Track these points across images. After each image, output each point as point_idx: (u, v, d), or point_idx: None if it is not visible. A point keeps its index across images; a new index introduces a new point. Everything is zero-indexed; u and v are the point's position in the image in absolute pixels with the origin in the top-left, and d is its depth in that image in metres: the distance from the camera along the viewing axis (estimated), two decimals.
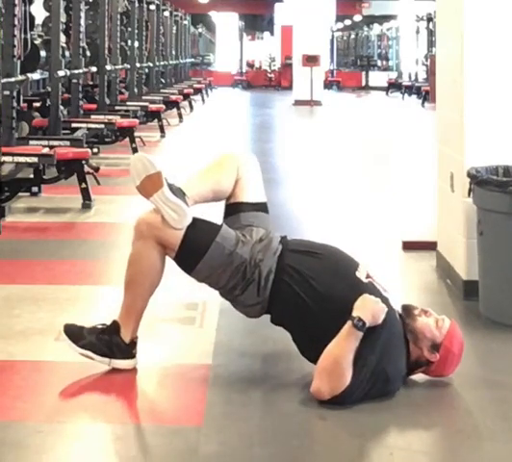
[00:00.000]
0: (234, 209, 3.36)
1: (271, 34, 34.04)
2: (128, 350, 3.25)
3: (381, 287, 3.22)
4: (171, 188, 3.18)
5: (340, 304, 3.06)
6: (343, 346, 2.99)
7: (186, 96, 16.63)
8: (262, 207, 3.40)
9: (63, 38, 8.65)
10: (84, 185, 6.60)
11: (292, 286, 3.15)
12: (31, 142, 7.10)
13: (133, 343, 3.26)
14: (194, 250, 3.16)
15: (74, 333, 3.28)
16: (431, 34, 20.13)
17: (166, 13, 19.14)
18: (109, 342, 3.24)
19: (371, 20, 35.39)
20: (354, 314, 3.01)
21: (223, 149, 3.63)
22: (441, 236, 4.85)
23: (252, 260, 3.17)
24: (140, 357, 3.30)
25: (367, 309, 3.02)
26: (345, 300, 3.05)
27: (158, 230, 3.16)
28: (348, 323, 3.00)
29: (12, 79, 6.69)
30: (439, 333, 3.15)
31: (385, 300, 3.11)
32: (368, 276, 3.21)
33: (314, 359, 3.07)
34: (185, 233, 3.15)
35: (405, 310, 3.20)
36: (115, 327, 3.25)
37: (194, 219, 3.19)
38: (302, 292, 3.13)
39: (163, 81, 17.72)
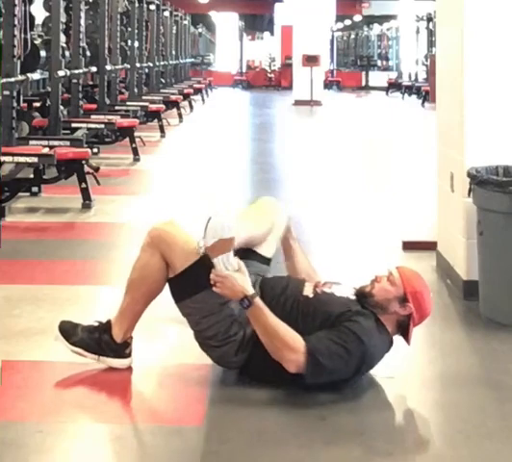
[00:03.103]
0: (244, 253, 3.35)
1: (271, 34, 34.04)
2: (119, 350, 3.27)
3: (332, 285, 3.28)
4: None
5: (314, 326, 3.10)
6: (261, 330, 3.02)
7: (186, 96, 16.63)
8: (267, 262, 3.43)
9: (63, 38, 8.63)
10: (84, 185, 6.60)
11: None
12: (31, 142, 7.10)
13: (126, 343, 3.27)
14: (191, 285, 3.14)
15: (68, 330, 3.31)
16: (431, 34, 20.12)
17: (166, 13, 19.12)
18: (98, 339, 3.26)
19: (370, 20, 35.41)
20: (233, 303, 3.07)
21: (266, 196, 3.67)
22: (441, 236, 4.85)
23: (240, 318, 3.15)
24: (140, 357, 3.31)
25: (229, 289, 3.03)
26: (307, 323, 3.10)
27: (168, 247, 3.15)
28: (246, 312, 3.04)
29: (12, 79, 6.68)
30: (396, 287, 3.17)
31: (339, 298, 3.19)
32: (316, 286, 3.25)
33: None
34: (192, 264, 3.13)
35: (359, 293, 3.24)
36: (106, 326, 3.28)
37: (206, 258, 3.13)
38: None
39: (163, 81, 17.70)
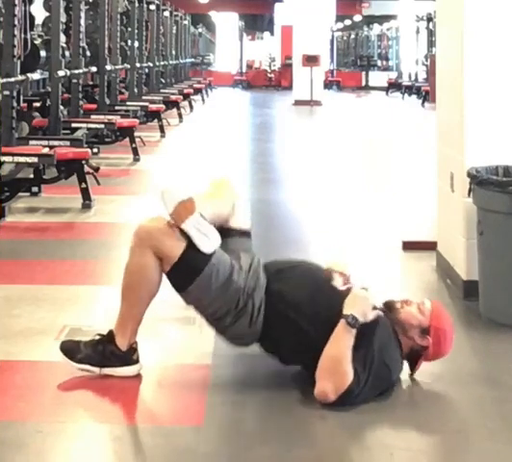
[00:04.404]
0: (222, 234, 3.29)
1: (271, 34, 34.04)
2: (126, 357, 3.23)
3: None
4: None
5: (327, 317, 3.08)
6: (340, 345, 3.01)
7: (186, 96, 16.63)
8: (247, 234, 3.40)
9: (63, 38, 8.64)
10: (84, 185, 6.60)
11: (282, 313, 3.14)
12: (31, 142, 7.10)
13: (131, 349, 3.23)
14: (190, 269, 3.12)
15: (70, 349, 3.26)
16: (431, 34, 20.13)
17: (166, 13, 19.14)
18: (103, 351, 3.22)
19: (370, 20, 35.42)
20: (346, 312, 3.04)
21: (216, 174, 3.59)
22: (441, 236, 4.85)
23: (246, 289, 3.15)
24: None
25: (357, 306, 3.06)
26: (331, 312, 3.08)
27: (157, 241, 3.12)
28: (342, 322, 3.03)
29: (12, 79, 6.69)
30: (423, 317, 3.18)
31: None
32: (345, 282, 3.24)
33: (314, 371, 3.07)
34: (184, 250, 3.10)
35: (387, 305, 3.23)
36: (109, 336, 3.24)
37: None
38: (294, 315, 3.14)
39: (163, 81, 17.71)
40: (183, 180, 3.31)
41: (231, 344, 3.28)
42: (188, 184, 3.20)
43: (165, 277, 3.19)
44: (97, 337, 3.27)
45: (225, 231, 3.32)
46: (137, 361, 3.25)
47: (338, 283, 3.23)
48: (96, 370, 3.23)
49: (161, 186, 3.18)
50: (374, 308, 3.12)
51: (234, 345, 3.28)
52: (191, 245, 3.10)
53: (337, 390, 2.97)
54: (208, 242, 3.11)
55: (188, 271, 3.13)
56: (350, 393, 2.97)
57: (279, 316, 3.15)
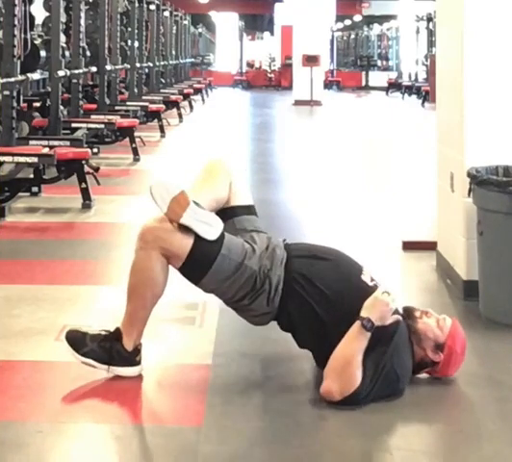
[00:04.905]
0: (226, 214, 3.31)
1: (271, 34, 34.06)
2: (130, 358, 3.22)
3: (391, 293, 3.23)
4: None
5: (348, 308, 3.06)
6: (352, 347, 2.99)
7: (186, 96, 16.63)
8: (252, 210, 3.39)
9: (63, 38, 8.64)
10: (84, 185, 6.60)
11: (301, 294, 3.14)
12: (31, 142, 7.10)
13: (136, 350, 3.22)
14: (200, 264, 3.11)
15: (76, 341, 3.23)
16: (431, 34, 20.14)
17: (166, 13, 19.14)
18: (110, 349, 3.20)
19: (370, 20, 35.44)
20: (363, 314, 3.01)
21: (209, 156, 3.58)
22: (441, 236, 4.85)
23: (261, 270, 3.14)
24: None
25: (376, 310, 3.02)
26: (353, 305, 3.06)
27: (164, 242, 3.09)
28: (357, 324, 3.00)
29: (12, 79, 6.69)
30: (441, 333, 3.17)
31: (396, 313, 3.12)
32: (372, 279, 3.22)
33: (323, 363, 3.07)
34: (192, 246, 3.08)
35: (406, 312, 3.20)
36: (116, 334, 3.22)
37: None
38: (311, 298, 3.13)
39: (163, 81, 17.71)
40: (173, 176, 3.28)
41: (251, 323, 3.27)
42: (174, 177, 3.17)
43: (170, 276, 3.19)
44: (103, 332, 3.25)
45: (229, 211, 3.31)
46: (139, 362, 3.25)
47: (366, 278, 3.21)
48: (99, 366, 3.21)
49: (150, 184, 3.14)
50: (395, 313, 3.08)
51: (252, 323, 3.28)
52: (197, 240, 3.09)
53: (342, 391, 2.96)
54: (211, 229, 3.10)
55: (199, 266, 3.12)
56: (356, 395, 2.96)
57: (296, 295, 3.14)
